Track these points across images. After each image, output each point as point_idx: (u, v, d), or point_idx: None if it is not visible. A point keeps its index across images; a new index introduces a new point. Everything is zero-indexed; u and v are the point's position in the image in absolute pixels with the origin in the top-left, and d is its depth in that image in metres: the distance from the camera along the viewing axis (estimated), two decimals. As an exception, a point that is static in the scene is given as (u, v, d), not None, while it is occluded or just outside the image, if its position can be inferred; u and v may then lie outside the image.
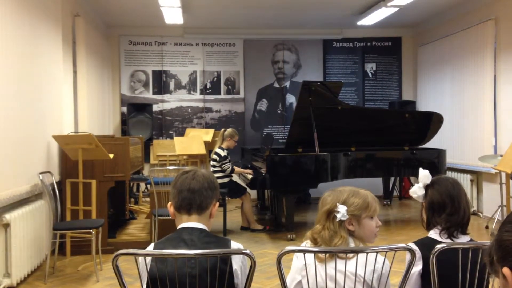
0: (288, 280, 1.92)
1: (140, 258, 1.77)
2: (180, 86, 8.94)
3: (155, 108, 8.75)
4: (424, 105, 8.73)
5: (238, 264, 1.83)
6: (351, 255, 1.83)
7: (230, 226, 6.52)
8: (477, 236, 5.80)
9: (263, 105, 9.15)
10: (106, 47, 8.22)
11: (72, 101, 6.18)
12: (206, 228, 1.88)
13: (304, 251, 1.83)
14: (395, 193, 8.62)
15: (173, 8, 7.04)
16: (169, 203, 1.92)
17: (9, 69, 4.13)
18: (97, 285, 4.31)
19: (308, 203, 8.36)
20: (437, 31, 8.40)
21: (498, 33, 6.85)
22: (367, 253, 1.81)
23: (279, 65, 9.16)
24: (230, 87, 9.07)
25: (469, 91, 7.37)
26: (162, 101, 8.87)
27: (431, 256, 1.86)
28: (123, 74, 8.82)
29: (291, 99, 9.13)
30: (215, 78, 9.04)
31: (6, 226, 3.98)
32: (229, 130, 6.52)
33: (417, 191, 2.20)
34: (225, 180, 6.27)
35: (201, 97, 8.99)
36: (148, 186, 7.69)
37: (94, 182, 5.00)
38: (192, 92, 8.97)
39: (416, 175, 2.24)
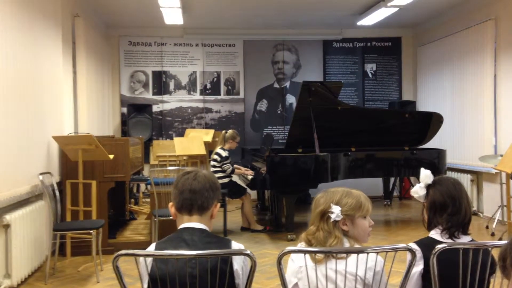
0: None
1: (141, 259, 1.77)
2: (180, 86, 8.94)
3: (155, 108, 8.75)
4: (424, 105, 8.73)
5: (239, 264, 1.83)
6: (345, 254, 1.84)
7: (230, 227, 6.52)
8: (478, 236, 5.80)
9: (263, 105, 9.15)
10: (106, 47, 8.22)
11: (72, 101, 6.18)
12: (207, 228, 1.88)
13: (304, 252, 1.84)
14: (395, 193, 8.62)
15: (173, 8, 7.04)
16: (171, 203, 1.92)
17: (9, 70, 4.13)
18: (97, 286, 4.31)
19: (308, 203, 8.33)
20: (437, 31, 8.40)
21: (498, 33, 6.85)
22: (368, 253, 1.82)
23: (279, 66, 9.17)
24: (230, 87, 9.07)
25: (469, 91, 7.37)
26: (162, 101, 8.87)
27: (432, 256, 1.86)
28: (123, 74, 8.82)
29: (291, 99, 9.13)
30: (215, 79, 9.04)
31: (7, 227, 3.98)
32: (230, 131, 6.52)
33: (418, 191, 2.20)
34: (225, 180, 6.27)
35: (201, 97, 8.99)
36: (148, 186, 7.68)
37: (94, 183, 5.00)
38: (192, 93, 8.97)
39: (416, 175, 2.24)
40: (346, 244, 1.90)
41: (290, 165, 5.88)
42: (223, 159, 6.27)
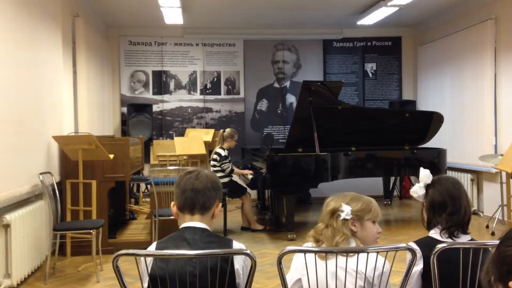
0: (287, 279, 1.94)
1: (142, 258, 1.77)
2: (180, 86, 8.94)
3: (155, 108, 8.74)
4: (424, 104, 8.73)
5: (240, 264, 1.83)
6: (352, 253, 1.86)
7: (230, 226, 6.52)
8: (478, 235, 5.80)
9: (263, 105, 9.15)
10: (106, 47, 8.22)
11: (72, 101, 6.18)
12: (208, 228, 1.89)
13: (304, 251, 1.84)
14: (396, 192, 8.62)
15: (173, 8, 7.04)
16: (172, 203, 1.93)
17: (9, 70, 4.13)
18: (97, 286, 4.31)
19: (308, 203, 8.35)
20: (437, 31, 8.40)
21: (498, 33, 6.85)
22: (368, 252, 1.82)
23: (279, 65, 9.16)
24: (230, 87, 9.07)
25: (469, 91, 7.36)
26: (162, 101, 8.87)
27: (432, 256, 1.86)
28: (123, 74, 8.82)
29: (291, 99, 9.12)
30: (215, 78, 9.04)
31: (7, 226, 3.98)
32: (228, 130, 6.52)
33: (417, 190, 2.20)
34: (226, 180, 6.27)
35: (201, 97, 8.99)
36: (148, 186, 7.69)
37: (94, 183, 5.00)
38: (192, 92, 8.96)
39: (416, 174, 2.25)
40: (352, 243, 1.93)
41: (290, 165, 5.87)
42: (223, 158, 6.27)
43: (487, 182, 7.08)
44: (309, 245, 1.99)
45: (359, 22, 8.31)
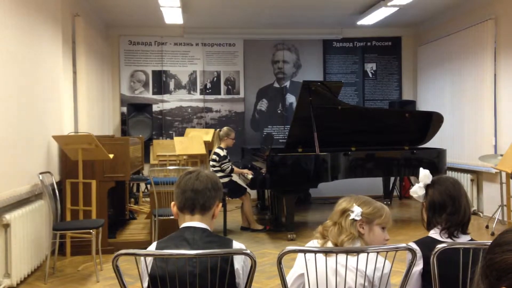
0: (289, 275, 1.97)
1: (142, 258, 1.77)
2: (180, 86, 8.94)
3: (155, 108, 8.74)
4: (424, 104, 8.73)
5: (240, 264, 1.83)
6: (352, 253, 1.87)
7: (230, 226, 6.52)
8: (478, 235, 5.80)
9: (263, 105, 9.15)
10: (106, 47, 8.22)
11: (72, 101, 6.18)
12: (208, 228, 1.89)
13: (304, 251, 1.85)
14: (395, 193, 8.62)
15: (173, 8, 7.04)
16: (172, 203, 1.93)
17: (9, 70, 4.13)
18: (97, 285, 4.31)
19: (308, 203, 8.35)
20: (437, 31, 8.40)
21: (498, 33, 6.85)
22: (368, 253, 1.83)
23: (279, 65, 9.16)
24: (230, 87, 9.07)
25: (469, 91, 7.36)
26: (162, 101, 8.87)
27: (432, 256, 1.86)
28: (123, 74, 8.82)
29: (291, 99, 9.12)
30: (215, 78, 9.04)
31: (6, 226, 3.98)
32: (224, 129, 6.52)
33: (417, 190, 2.20)
34: (225, 180, 6.27)
35: (201, 97, 8.98)
36: (148, 186, 7.69)
37: (94, 182, 5.00)
38: (192, 92, 8.96)
39: (416, 174, 2.25)
40: (357, 245, 1.94)
41: (290, 165, 5.88)
42: (222, 158, 6.27)
43: (487, 182, 7.08)
44: (314, 242, 2.01)
45: (359, 22, 8.31)
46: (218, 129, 6.56)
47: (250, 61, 9.08)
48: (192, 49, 8.94)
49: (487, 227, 6.35)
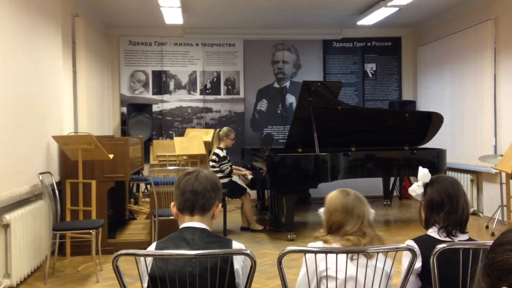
0: (301, 277, 1.98)
1: (142, 258, 1.77)
2: (180, 86, 8.94)
3: (155, 108, 8.74)
4: (424, 105, 8.73)
5: (239, 264, 1.83)
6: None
7: (230, 227, 6.52)
8: (477, 236, 5.80)
9: (263, 105, 9.15)
10: (106, 47, 8.22)
11: (72, 101, 6.18)
12: (208, 228, 1.89)
13: (304, 251, 1.84)
14: (395, 193, 8.62)
15: (173, 8, 7.04)
16: (172, 203, 1.93)
17: (9, 70, 4.13)
18: (97, 286, 4.30)
19: (308, 203, 8.35)
20: (437, 31, 8.40)
21: (497, 33, 6.85)
22: (368, 253, 1.83)
23: (279, 65, 9.16)
24: (230, 87, 9.07)
25: (469, 91, 7.36)
26: (162, 101, 8.87)
27: (432, 256, 1.86)
28: (123, 74, 8.82)
29: (291, 99, 9.12)
30: (215, 78, 9.04)
31: (6, 226, 3.98)
32: (224, 129, 6.51)
33: (416, 189, 2.21)
34: (225, 180, 6.26)
35: (201, 97, 8.98)
36: (148, 186, 7.69)
37: (94, 183, 4.99)
38: (192, 92, 8.96)
39: (416, 175, 2.25)
40: None
41: (290, 165, 5.88)
42: (221, 159, 6.26)
43: (487, 183, 7.08)
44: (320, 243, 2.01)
45: (359, 22, 8.31)
46: (218, 129, 6.56)
47: (250, 61, 9.08)
48: (192, 49, 8.94)
49: (487, 227, 6.35)
